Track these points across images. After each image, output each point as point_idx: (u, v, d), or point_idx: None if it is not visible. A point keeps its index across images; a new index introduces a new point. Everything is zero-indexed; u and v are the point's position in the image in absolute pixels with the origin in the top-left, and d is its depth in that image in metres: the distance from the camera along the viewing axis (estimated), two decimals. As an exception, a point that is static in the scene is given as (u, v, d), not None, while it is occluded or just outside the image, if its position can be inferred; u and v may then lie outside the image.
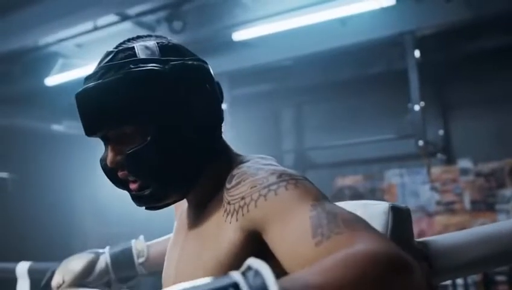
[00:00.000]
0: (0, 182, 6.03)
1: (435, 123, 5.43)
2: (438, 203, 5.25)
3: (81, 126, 0.82)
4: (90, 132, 0.83)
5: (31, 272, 1.72)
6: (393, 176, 5.48)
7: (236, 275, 0.45)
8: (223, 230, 0.78)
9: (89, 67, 4.53)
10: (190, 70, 0.83)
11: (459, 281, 3.94)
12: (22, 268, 1.73)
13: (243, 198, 0.74)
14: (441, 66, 5.14)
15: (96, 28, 4.16)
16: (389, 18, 4.22)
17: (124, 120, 0.80)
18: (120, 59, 0.81)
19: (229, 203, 0.77)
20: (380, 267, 0.50)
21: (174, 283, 0.86)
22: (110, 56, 0.82)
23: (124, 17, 4.04)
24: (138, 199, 0.85)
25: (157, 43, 0.85)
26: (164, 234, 1.30)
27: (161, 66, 0.80)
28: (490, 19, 4.27)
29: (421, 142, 4.36)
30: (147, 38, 0.87)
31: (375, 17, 4.15)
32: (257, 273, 0.45)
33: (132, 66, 0.79)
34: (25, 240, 5.00)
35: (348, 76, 5.27)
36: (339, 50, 4.60)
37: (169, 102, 0.80)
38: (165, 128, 0.80)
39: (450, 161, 5.48)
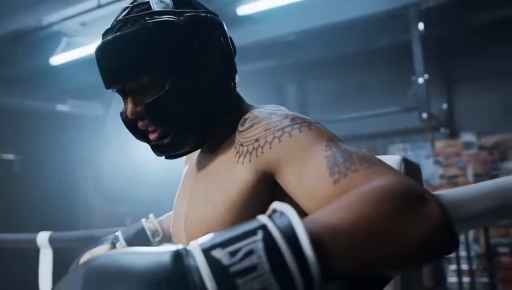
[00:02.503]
0: (5, 164, 6.07)
1: (439, 97, 5.43)
2: (442, 176, 5.29)
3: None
4: (109, 83, 0.86)
5: (51, 241, 1.75)
6: (396, 151, 5.51)
7: (263, 218, 0.46)
8: (234, 170, 0.79)
9: (93, 46, 4.51)
10: (204, 22, 0.86)
11: (462, 253, 3.99)
12: (43, 238, 1.76)
13: (257, 140, 0.76)
14: (445, 39, 5.12)
15: (100, 6, 4.15)
16: (393, -10, 4.21)
17: (142, 70, 0.82)
18: (136, 13, 0.84)
19: (241, 144, 0.79)
20: (396, 200, 0.52)
21: (185, 227, 0.90)
22: (127, 11, 0.86)
23: (128, -6, 4.02)
24: (158, 148, 0.88)
25: None
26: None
27: (176, 17, 0.83)
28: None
29: (424, 115, 4.37)
30: None
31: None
32: (282, 214, 0.46)
33: (148, 18, 0.82)
34: (31, 221, 5.04)
35: (352, 50, 5.26)
36: (343, 24, 4.58)
37: (184, 51, 0.82)
38: (182, 77, 0.82)
39: (453, 134, 5.50)
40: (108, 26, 0.88)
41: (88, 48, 4.64)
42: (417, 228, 0.51)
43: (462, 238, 3.68)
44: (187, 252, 0.44)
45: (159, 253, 0.44)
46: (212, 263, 0.42)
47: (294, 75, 6.05)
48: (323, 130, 0.74)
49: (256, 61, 5.40)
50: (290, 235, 0.44)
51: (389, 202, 0.52)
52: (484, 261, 4.41)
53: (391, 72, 5.33)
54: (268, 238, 0.44)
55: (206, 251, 0.43)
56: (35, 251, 1.78)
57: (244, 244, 0.43)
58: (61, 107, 6.37)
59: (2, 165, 5.99)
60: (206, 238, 0.45)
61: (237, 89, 0.93)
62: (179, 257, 0.43)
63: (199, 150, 0.96)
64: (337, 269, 0.46)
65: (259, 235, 0.44)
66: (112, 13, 0.91)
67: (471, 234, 4.29)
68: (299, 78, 6.17)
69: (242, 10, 4.20)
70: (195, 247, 0.44)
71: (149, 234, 1.26)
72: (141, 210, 1.38)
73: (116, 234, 1.26)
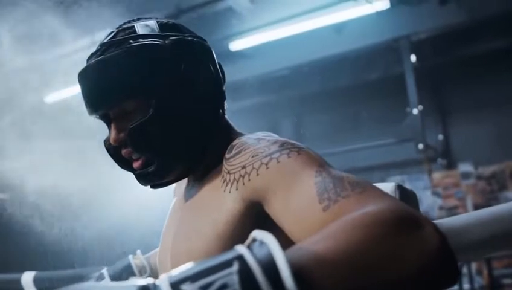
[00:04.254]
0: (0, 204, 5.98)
1: (434, 128, 5.44)
2: (441, 208, 5.22)
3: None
4: (93, 109, 0.82)
5: (36, 282, 1.69)
6: (394, 183, 5.45)
7: (240, 248, 0.42)
8: (221, 200, 0.75)
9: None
10: (190, 46, 0.82)
11: (466, 286, 3.89)
12: (27, 278, 1.70)
13: (243, 167, 0.72)
14: (437, 70, 5.16)
15: (94, 43, 4.19)
16: (384, 24, 4.26)
17: (125, 94, 0.79)
18: (120, 36, 0.81)
19: (228, 172, 0.75)
20: (387, 225, 0.48)
21: (172, 258, 0.85)
22: (111, 35, 0.83)
23: (121, 32, 4.07)
24: (142, 177, 0.83)
25: (157, 21, 0.86)
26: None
27: (161, 40, 0.80)
28: (484, 22, 4.30)
29: (421, 146, 4.36)
30: (147, 19, 0.87)
31: (369, 23, 4.18)
32: (262, 244, 0.42)
33: (132, 42, 0.79)
34: (27, 261, 4.94)
35: (345, 83, 5.30)
36: (335, 58, 4.63)
37: (169, 75, 0.79)
38: (166, 102, 0.79)
39: (450, 165, 5.47)
40: None
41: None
42: (411, 254, 0.46)
43: (464, 270, 3.61)
44: (155, 286, 0.40)
45: (125, 287, 0.40)
46: None
47: (289, 110, 6.06)
48: (314, 155, 0.70)
49: (250, 97, 5.43)
50: (269, 266, 0.39)
51: (380, 227, 0.47)
52: (488, 292, 4.31)
53: (385, 103, 5.35)
54: (244, 270, 0.39)
55: (175, 285, 0.39)
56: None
57: (217, 277, 0.39)
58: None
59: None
60: (177, 271, 0.41)
61: (226, 116, 0.90)
62: None
63: (187, 180, 0.92)
64: None
65: (235, 266, 0.40)
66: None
67: (473, 265, 4.21)
68: (293, 113, 6.18)
69: (235, 46, 4.24)
70: (163, 280, 0.40)
71: (136, 270, 1.20)
72: (139, 247, 1.35)
73: (102, 271, 1.22)
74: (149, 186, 0.87)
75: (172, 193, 1.08)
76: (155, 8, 3.72)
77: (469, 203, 5.10)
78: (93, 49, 0.86)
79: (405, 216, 0.50)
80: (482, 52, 4.82)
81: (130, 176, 0.93)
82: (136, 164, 0.83)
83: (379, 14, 4.06)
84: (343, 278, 0.43)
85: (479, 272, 4.63)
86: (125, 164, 0.86)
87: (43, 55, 4.47)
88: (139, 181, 0.85)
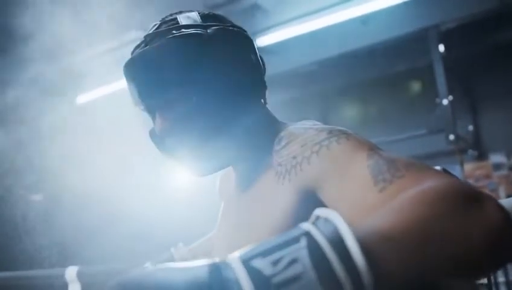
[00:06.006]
0: (34, 205, 6.11)
1: (464, 119, 5.34)
2: (473, 200, 5.13)
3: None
4: (138, 100, 0.85)
5: (80, 276, 1.74)
6: (425, 176, 5.37)
7: (306, 225, 0.43)
8: (276, 193, 0.76)
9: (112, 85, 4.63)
10: (231, 35, 0.85)
11: (501, 279, 3.79)
12: (71, 273, 1.76)
13: (294, 157, 0.73)
14: (466, 60, 5.06)
15: (121, 46, 4.25)
16: (411, 14, 4.19)
17: (170, 83, 0.81)
18: (164, 28, 0.84)
19: (279, 164, 0.76)
20: (451, 200, 0.48)
21: (228, 252, 0.85)
22: (155, 27, 0.86)
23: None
24: (187, 166, 0.86)
25: (199, 12, 0.89)
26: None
27: (203, 30, 0.83)
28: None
29: (451, 137, 4.28)
30: (189, 11, 0.89)
31: (396, 14, 4.12)
32: (326, 221, 0.43)
33: (175, 32, 0.82)
34: (63, 259, 5.04)
35: (373, 76, 5.24)
36: (362, 50, 4.57)
37: (211, 64, 0.81)
38: (209, 90, 0.81)
39: (481, 156, 5.37)
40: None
41: (111, 86, 4.73)
42: (477, 229, 0.46)
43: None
44: (226, 264, 0.41)
45: (196, 267, 0.41)
46: (253, 274, 0.39)
47: (317, 104, 6.04)
48: (363, 140, 0.71)
49: (278, 93, 5.41)
50: (336, 241, 0.40)
51: (443, 202, 0.47)
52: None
53: (414, 95, 5.28)
54: (312, 245, 0.40)
55: (246, 262, 0.40)
56: (64, 287, 1.78)
57: (286, 253, 0.40)
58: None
59: (31, 207, 6.03)
60: (246, 249, 0.42)
61: (267, 106, 0.92)
62: (216, 269, 0.40)
63: (234, 176, 0.93)
64: (388, 277, 0.41)
65: (303, 242, 0.40)
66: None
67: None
68: (322, 107, 6.15)
69: (260, 42, 4.24)
70: (234, 258, 0.41)
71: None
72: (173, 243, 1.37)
73: (145, 266, 1.24)
74: (194, 175, 0.88)
75: (218, 196, 1.10)
76: (183, 7, 3.75)
77: (502, 194, 4.99)
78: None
79: (466, 191, 0.50)
80: (510, 40, 4.71)
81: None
82: (181, 153, 0.85)
83: (407, 4, 3.99)
84: (408, 254, 0.43)
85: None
86: (170, 152, 0.88)
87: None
88: (183, 170, 0.87)
